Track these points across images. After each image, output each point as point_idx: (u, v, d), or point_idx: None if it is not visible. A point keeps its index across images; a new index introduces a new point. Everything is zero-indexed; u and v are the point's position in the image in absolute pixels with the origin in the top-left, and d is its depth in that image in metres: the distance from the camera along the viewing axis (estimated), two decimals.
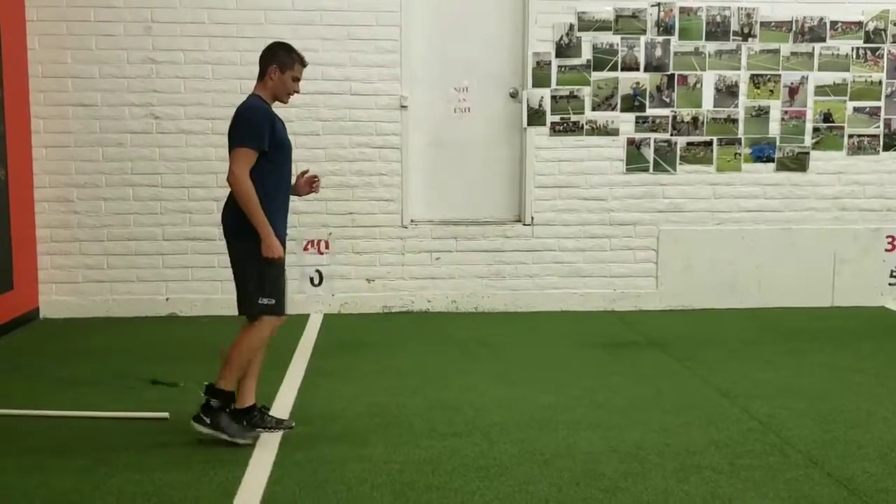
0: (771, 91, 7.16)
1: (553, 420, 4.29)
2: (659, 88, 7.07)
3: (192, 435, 4.03)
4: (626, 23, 7.00)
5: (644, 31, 7.02)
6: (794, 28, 7.13)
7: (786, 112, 7.19)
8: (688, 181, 7.17)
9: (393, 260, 7.01)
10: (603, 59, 7.00)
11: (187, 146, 6.78)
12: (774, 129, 7.19)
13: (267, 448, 3.88)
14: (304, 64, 4.11)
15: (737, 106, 7.13)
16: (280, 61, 4.02)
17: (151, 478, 3.54)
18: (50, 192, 6.74)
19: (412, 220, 7.05)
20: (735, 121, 7.15)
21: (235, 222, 3.92)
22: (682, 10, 7.02)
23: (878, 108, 7.24)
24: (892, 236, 7.34)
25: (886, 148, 7.28)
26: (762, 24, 7.10)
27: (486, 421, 4.27)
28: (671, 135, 7.11)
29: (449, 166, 7.14)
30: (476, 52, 7.05)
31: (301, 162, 6.62)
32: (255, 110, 3.95)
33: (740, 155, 7.18)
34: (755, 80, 7.13)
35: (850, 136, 7.25)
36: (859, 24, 7.16)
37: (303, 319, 6.65)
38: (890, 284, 7.37)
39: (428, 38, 7.02)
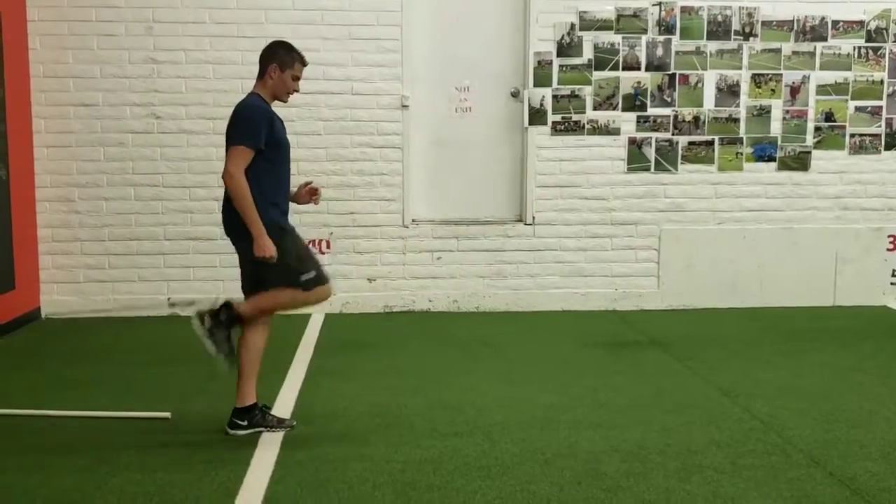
0: (772, 90, 7.15)
1: (554, 419, 4.28)
2: (660, 88, 7.06)
3: (193, 435, 4.04)
4: (628, 22, 6.99)
5: (645, 31, 7.02)
6: (795, 27, 7.12)
7: (787, 111, 7.19)
8: (689, 181, 7.17)
9: (394, 259, 7.01)
10: (604, 58, 7.00)
11: (188, 146, 6.78)
12: (776, 128, 7.18)
13: (268, 447, 3.88)
14: (304, 63, 4.11)
15: (738, 105, 7.13)
16: (280, 60, 4.02)
17: (153, 477, 3.54)
18: (51, 192, 6.75)
19: (413, 220, 7.05)
20: (736, 120, 7.14)
21: (241, 223, 3.91)
22: (684, 10, 7.02)
23: (880, 107, 7.23)
24: (893, 235, 7.33)
25: (888, 147, 7.28)
26: (763, 23, 7.09)
27: (487, 420, 4.27)
28: (672, 134, 7.11)
29: (450, 166, 7.14)
30: (477, 51, 7.05)
31: (302, 161, 6.67)
32: (253, 109, 3.95)
33: (742, 154, 7.17)
34: (756, 80, 7.13)
35: (852, 136, 7.24)
36: (861, 23, 7.16)
37: (304, 319, 6.65)
38: (892, 284, 7.36)
39: (429, 38, 7.02)
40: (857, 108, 7.23)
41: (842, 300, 7.31)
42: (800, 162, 7.24)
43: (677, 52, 7.05)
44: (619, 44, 7.00)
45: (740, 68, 7.10)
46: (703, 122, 7.12)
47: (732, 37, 7.08)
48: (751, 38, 7.09)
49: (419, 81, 6.99)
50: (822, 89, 7.18)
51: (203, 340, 3.92)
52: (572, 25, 6.96)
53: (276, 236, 3.92)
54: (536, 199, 7.07)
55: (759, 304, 7.22)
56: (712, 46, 7.07)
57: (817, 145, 7.23)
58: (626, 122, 7.07)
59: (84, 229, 6.78)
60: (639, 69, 7.04)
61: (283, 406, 4.49)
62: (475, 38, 7.05)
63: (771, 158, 7.21)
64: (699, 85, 7.09)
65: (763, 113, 7.16)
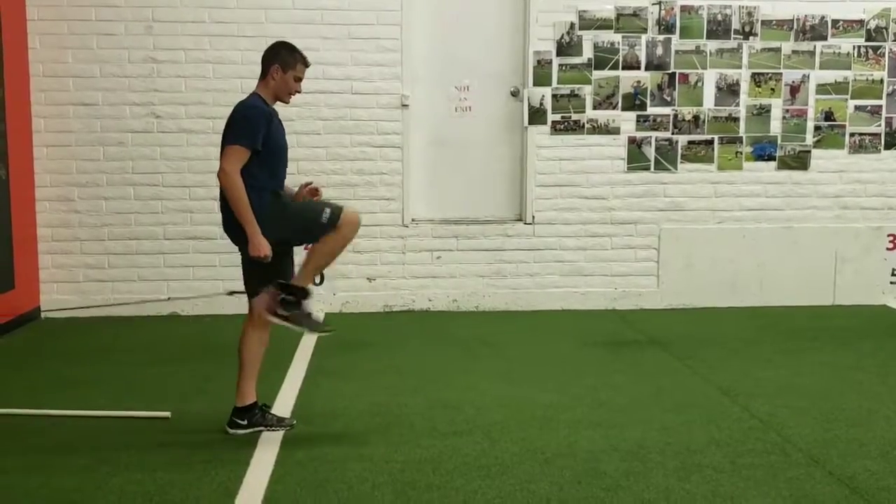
0: (772, 89, 7.15)
1: (554, 419, 4.29)
2: (660, 87, 7.07)
3: (193, 435, 4.05)
4: (627, 21, 6.99)
5: (645, 30, 7.02)
6: (795, 26, 7.12)
7: (787, 110, 7.19)
8: (689, 180, 7.17)
9: (394, 259, 7.02)
10: (604, 57, 7.00)
11: (188, 145, 6.78)
12: (776, 127, 7.18)
13: (268, 447, 3.88)
14: (306, 64, 4.11)
15: (738, 104, 7.13)
16: (283, 61, 4.03)
17: (153, 477, 3.54)
18: (51, 192, 6.75)
19: (413, 219, 7.05)
20: (736, 119, 7.14)
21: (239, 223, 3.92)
22: (683, 9, 7.02)
23: (880, 106, 7.23)
24: (893, 235, 7.33)
25: (888, 146, 7.28)
26: (763, 22, 7.09)
27: (487, 420, 4.27)
28: (672, 133, 7.11)
29: (450, 165, 7.14)
30: (477, 50, 7.05)
31: (302, 161, 6.68)
32: (252, 109, 3.95)
33: (741, 153, 7.18)
34: (756, 79, 7.13)
35: (852, 135, 7.24)
36: (860, 22, 7.16)
37: None
38: (891, 283, 7.36)
39: (429, 37, 7.02)
40: (857, 108, 7.22)
41: (841, 299, 7.31)
42: (799, 161, 7.24)
43: (677, 52, 7.05)
44: (618, 43, 7.00)
45: (740, 67, 7.10)
46: (703, 122, 7.12)
47: (732, 36, 7.08)
48: (750, 38, 7.09)
49: (419, 81, 6.99)
50: (822, 88, 7.18)
51: (290, 328, 3.95)
52: (572, 25, 6.96)
53: (276, 208, 3.94)
54: (536, 198, 7.07)
55: (758, 303, 7.22)
56: (712, 45, 7.07)
57: (817, 144, 7.24)
58: (626, 121, 7.07)
59: (84, 229, 6.78)
60: (638, 68, 7.04)
61: (283, 405, 4.49)
62: (475, 37, 7.05)
63: (771, 157, 7.21)
64: (699, 84, 7.09)
65: (763, 112, 7.16)
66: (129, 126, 6.74)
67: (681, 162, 7.14)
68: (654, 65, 7.04)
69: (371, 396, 4.67)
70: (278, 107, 4.12)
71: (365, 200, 6.93)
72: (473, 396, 4.66)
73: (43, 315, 6.76)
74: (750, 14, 7.07)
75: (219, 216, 4.09)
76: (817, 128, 7.21)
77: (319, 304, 6.95)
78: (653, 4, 6.99)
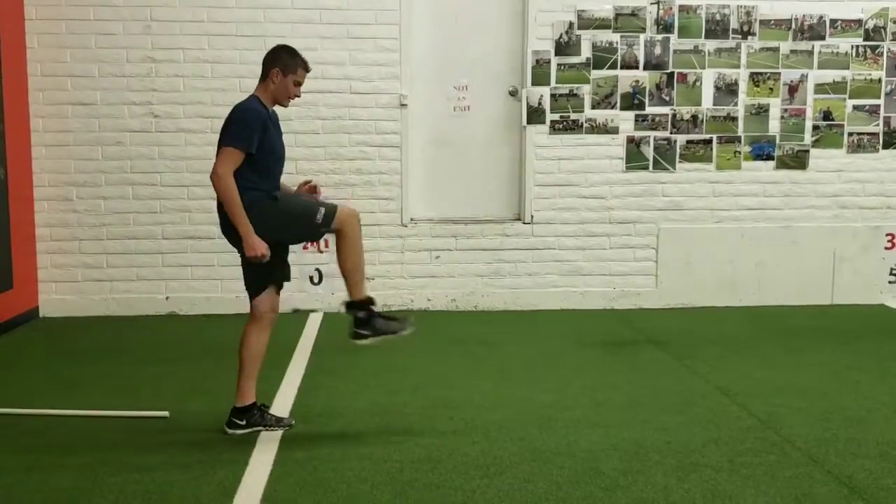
0: (770, 89, 7.16)
1: (553, 418, 4.29)
2: (658, 86, 7.07)
3: (191, 434, 4.04)
4: (626, 21, 6.99)
5: (643, 30, 7.02)
6: (793, 26, 7.12)
7: (785, 110, 7.19)
8: (687, 179, 7.17)
9: (392, 258, 7.02)
10: (602, 57, 7.00)
11: (186, 145, 6.78)
12: (774, 127, 7.19)
13: (267, 447, 3.88)
14: (307, 69, 4.10)
15: (736, 104, 7.13)
16: (283, 64, 4.02)
17: (152, 477, 3.53)
18: (49, 191, 6.74)
19: (412, 219, 7.05)
20: (735, 119, 7.15)
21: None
22: (682, 8, 7.02)
23: (878, 106, 7.24)
24: (891, 234, 7.34)
25: (886, 146, 7.28)
26: (762, 22, 7.10)
27: (485, 419, 4.27)
28: (671, 133, 7.11)
29: (448, 165, 7.14)
30: (476, 50, 7.05)
31: (301, 160, 6.68)
32: (249, 112, 3.95)
33: (740, 153, 7.18)
34: (755, 78, 7.13)
35: (850, 134, 7.25)
36: (859, 21, 7.16)
37: (303, 318, 6.66)
38: (889, 282, 7.37)
39: (427, 37, 7.02)
40: (856, 107, 7.23)
41: (840, 299, 7.31)
42: (798, 161, 7.24)
43: (675, 51, 7.05)
44: (617, 42, 7.00)
45: (738, 67, 7.11)
46: (702, 121, 7.12)
47: (731, 35, 7.08)
48: (749, 37, 7.09)
49: (417, 80, 6.99)
50: (821, 88, 7.19)
51: (382, 341, 4.00)
52: (570, 24, 6.96)
53: (272, 208, 3.94)
54: (535, 197, 7.07)
55: (757, 302, 7.22)
56: (710, 45, 7.07)
57: (815, 144, 7.24)
58: (625, 120, 7.07)
59: (82, 228, 6.78)
60: (637, 68, 7.04)
61: (282, 405, 4.49)
62: (473, 37, 7.05)
63: (769, 157, 7.22)
64: (697, 83, 7.09)
65: (761, 112, 7.16)
66: (127, 126, 6.73)
67: (679, 161, 7.14)
68: (652, 64, 7.04)
69: (370, 396, 4.68)
70: (276, 109, 4.12)
71: (363, 200, 6.93)
72: (472, 396, 4.66)
73: (41, 314, 6.76)
74: (748, 14, 7.07)
75: (217, 216, 4.09)
76: (816, 127, 7.22)
77: (318, 303, 6.96)
78: (651, 4, 6.99)
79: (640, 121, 7.08)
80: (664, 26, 7.03)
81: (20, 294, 6.46)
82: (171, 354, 5.65)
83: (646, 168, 7.12)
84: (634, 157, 7.10)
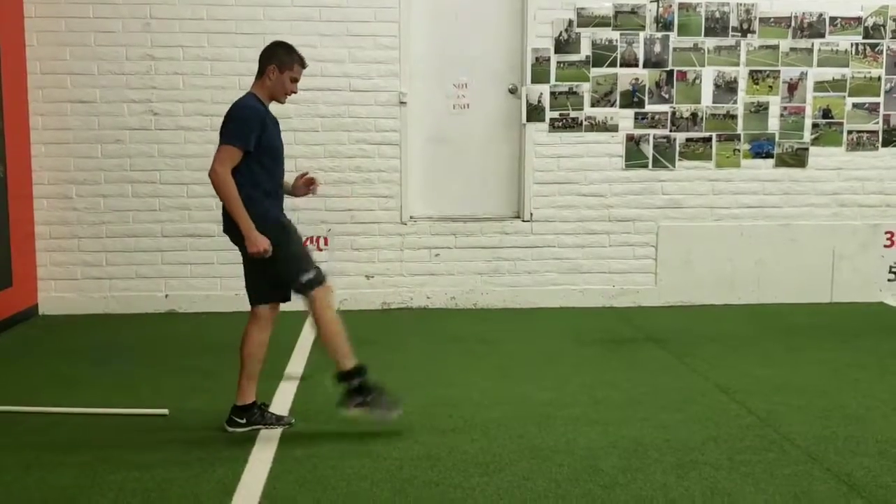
0: (770, 87, 7.16)
1: (552, 416, 4.29)
2: (658, 84, 7.07)
3: (191, 432, 4.04)
4: (625, 19, 6.99)
5: (643, 27, 7.01)
6: (793, 24, 7.12)
7: (785, 108, 7.19)
8: (687, 177, 7.17)
9: (392, 256, 7.01)
10: (602, 55, 7.00)
11: (186, 142, 6.77)
12: (773, 124, 7.19)
13: (266, 444, 3.88)
14: (303, 65, 4.10)
15: (736, 102, 7.13)
16: (280, 61, 4.01)
17: (151, 474, 3.54)
18: (49, 189, 6.74)
19: (411, 217, 7.05)
20: (734, 117, 7.15)
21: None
22: (681, 6, 7.02)
23: (878, 104, 7.24)
24: (890, 232, 7.34)
25: (885, 144, 7.28)
26: (761, 19, 7.09)
27: (485, 417, 4.27)
28: (670, 131, 7.11)
29: (448, 163, 7.14)
30: (475, 48, 7.05)
31: (300, 158, 6.67)
32: (247, 109, 3.94)
33: (739, 151, 7.18)
34: (754, 76, 7.13)
35: (850, 132, 7.25)
36: (858, 19, 7.16)
37: (302, 316, 6.64)
38: (889, 280, 7.37)
39: (427, 35, 7.01)
40: (855, 105, 7.23)
41: (839, 296, 7.32)
42: (797, 158, 7.24)
43: (675, 49, 7.05)
44: (616, 40, 7.00)
45: (738, 65, 7.10)
46: (701, 119, 7.12)
47: (730, 33, 7.08)
48: (748, 35, 7.09)
49: (417, 78, 6.99)
50: (820, 86, 7.19)
51: (381, 417, 3.97)
52: (570, 22, 6.95)
53: (277, 232, 3.93)
54: (534, 195, 7.07)
55: (756, 300, 7.22)
56: (710, 43, 7.07)
57: (815, 142, 7.24)
58: (624, 118, 7.07)
59: (82, 226, 6.78)
60: (636, 66, 7.04)
61: (282, 403, 4.49)
62: (473, 34, 7.04)
63: (768, 155, 7.22)
64: (697, 81, 7.09)
65: (761, 109, 7.16)
66: (126, 123, 6.73)
67: (679, 159, 7.14)
68: (652, 62, 7.04)
69: None
70: (274, 105, 4.12)
71: (363, 198, 6.93)
72: (471, 394, 4.67)
73: (40, 312, 6.76)
74: (748, 11, 7.07)
75: (217, 213, 4.09)
76: (815, 125, 7.22)
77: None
78: (651, 2, 6.99)
79: (640, 119, 7.08)
80: (664, 24, 7.02)
81: (19, 292, 6.46)
82: (170, 352, 5.65)
83: (645, 166, 7.12)
84: (634, 154, 7.10)
